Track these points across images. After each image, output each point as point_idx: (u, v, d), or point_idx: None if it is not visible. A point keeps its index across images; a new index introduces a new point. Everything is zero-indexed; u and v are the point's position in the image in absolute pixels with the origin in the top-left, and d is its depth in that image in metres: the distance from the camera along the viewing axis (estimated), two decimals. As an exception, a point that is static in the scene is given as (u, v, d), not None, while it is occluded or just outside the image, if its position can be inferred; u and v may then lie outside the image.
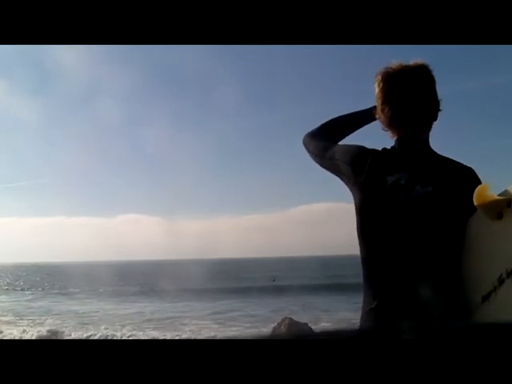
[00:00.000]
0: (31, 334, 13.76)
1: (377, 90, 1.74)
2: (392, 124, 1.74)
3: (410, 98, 1.69)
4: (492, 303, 1.54)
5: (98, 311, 18.86)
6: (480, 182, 1.66)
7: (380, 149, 1.78)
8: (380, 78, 1.72)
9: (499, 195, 1.57)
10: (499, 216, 1.55)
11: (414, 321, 1.57)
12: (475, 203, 1.55)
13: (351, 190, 1.78)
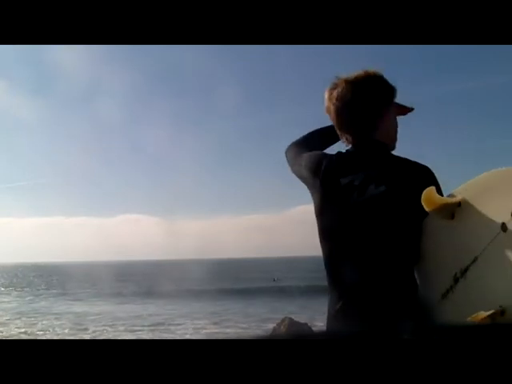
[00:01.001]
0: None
1: (327, 101, 1.83)
2: (343, 128, 1.82)
3: (352, 104, 1.77)
4: (450, 300, 1.58)
5: (94, 312, 18.85)
6: (436, 180, 1.69)
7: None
8: (329, 91, 1.82)
9: (448, 196, 1.61)
10: (451, 216, 1.58)
11: (378, 320, 1.61)
12: (426, 208, 1.57)
13: (311, 194, 1.83)
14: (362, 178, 1.69)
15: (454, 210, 1.58)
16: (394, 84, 1.85)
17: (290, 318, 13.76)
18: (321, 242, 1.79)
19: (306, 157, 1.88)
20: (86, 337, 13.13)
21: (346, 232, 1.71)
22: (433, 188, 1.57)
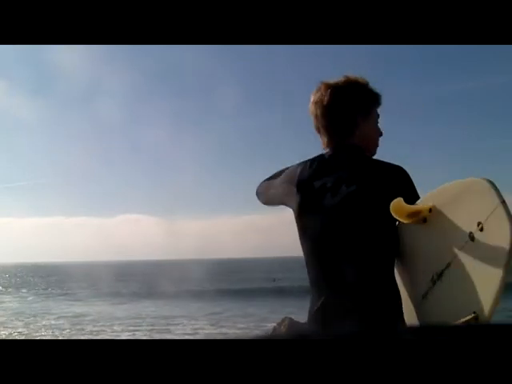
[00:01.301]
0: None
1: (313, 116, 1.87)
2: (320, 131, 1.87)
3: (329, 109, 1.82)
4: (430, 301, 1.63)
5: (93, 312, 18.86)
6: (409, 179, 1.73)
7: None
8: (313, 94, 1.87)
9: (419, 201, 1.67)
10: (424, 220, 1.64)
11: (356, 319, 1.64)
12: (398, 218, 1.62)
13: (291, 207, 1.86)
14: (333, 180, 1.74)
15: (425, 215, 1.63)
16: (379, 92, 1.90)
17: (290, 318, 13.71)
18: (301, 244, 1.84)
19: (282, 175, 1.94)
20: (85, 337, 13.12)
21: (321, 233, 1.76)
22: (400, 199, 1.60)
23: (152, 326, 14.90)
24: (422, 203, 1.67)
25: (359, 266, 1.70)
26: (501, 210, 1.45)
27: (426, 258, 1.67)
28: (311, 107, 1.87)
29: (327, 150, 1.86)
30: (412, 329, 0.91)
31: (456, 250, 1.57)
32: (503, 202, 1.46)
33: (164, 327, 14.65)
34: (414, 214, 1.63)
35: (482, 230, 1.50)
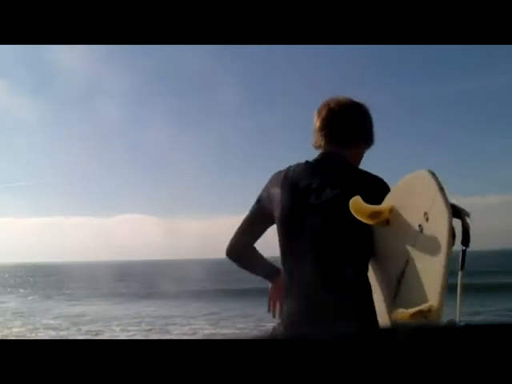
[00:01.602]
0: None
1: (318, 119, 1.97)
2: (322, 142, 1.95)
3: (338, 126, 1.94)
4: (399, 301, 1.64)
5: (92, 312, 18.86)
6: (390, 190, 1.77)
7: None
8: (319, 111, 1.98)
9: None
10: (387, 222, 1.67)
11: (340, 319, 1.67)
12: (357, 216, 1.64)
13: (274, 211, 1.89)
14: (319, 182, 1.82)
15: (387, 217, 1.66)
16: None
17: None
18: (281, 242, 1.88)
19: (266, 185, 1.97)
20: (83, 337, 13.11)
21: (304, 232, 1.80)
22: (358, 197, 1.64)
23: (151, 325, 14.89)
24: (383, 204, 1.70)
25: (341, 266, 1.76)
26: (439, 198, 1.47)
27: (391, 258, 1.70)
28: (323, 109, 1.97)
29: (316, 156, 1.95)
30: (412, 329, 0.91)
31: (411, 245, 1.59)
32: (441, 189, 1.48)
33: (163, 327, 14.65)
34: (374, 215, 1.65)
35: (427, 220, 1.52)
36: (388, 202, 1.70)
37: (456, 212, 1.48)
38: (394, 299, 1.68)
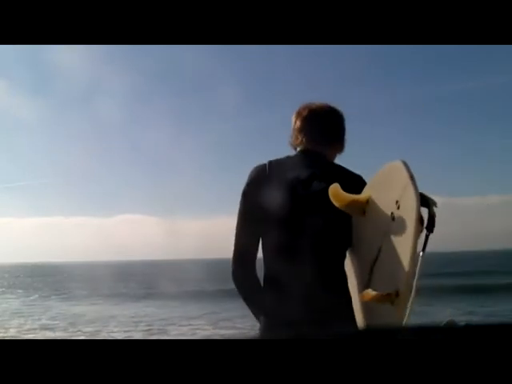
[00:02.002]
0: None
1: (298, 119, 2.06)
2: (303, 140, 2.02)
3: (319, 127, 2.03)
4: (372, 284, 1.72)
5: (90, 312, 18.86)
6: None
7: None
8: (300, 112, 2.07)
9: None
10: (363, 213, 1.75)
11: (318, 313, 1.73)
12: (336, 204, 1.71)
13: (255, 199, 1.92)
14: (307, 175, 1.88)
15: (364, 207, 1.73)
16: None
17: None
18: (264, 233, 1.91)
19: (250, 179, 1.98)
20: (82, 337, 13.11)
21: (294, 222, 1.85)
22: (337, 184, 1.73)
23: (150, 326, 14.87)
24: (361, 195, 1.79)
25: (331, 256, 1.86)
26: (410, 187, 1.53)
27: (366, 247, 1.77)
28: (304, 110, 2.06)
29: (299, 152, 2.02)
30: (412, 329, 0.91)
31: (384, 234, 1.65)
32: (412, 178, 1.54)
33: (162, 327, 14.63)
34: (352, 204, 1.72)
35: (398, 208, 1.59)
36: (365, 192, 1.77)
37: (424, 200, 1.54)
38: (367, 286, 1.74)
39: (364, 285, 1.76)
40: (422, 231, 1.54)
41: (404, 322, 1.57)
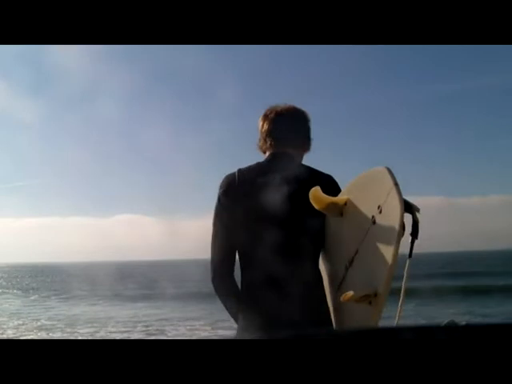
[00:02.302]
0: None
1: (265, 123, 2.08)
2: (271, 143, 2.06)
3: (287, 129, 2.06)
4: (345, 287, 1.77)
5: (89, 312, 18.85)
6: (338, 186, 1.97)
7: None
8: (267, 115, 2.10)
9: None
10: (341, 214, 1.82)
11: (303, 309, 1.78)
12: (315, 206, 1.78)
13: (229, 208, 1.95)
14: (279, 178, 1.92)
15: (342, 209, 1.81)
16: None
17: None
18: (239, 237, 1.94)
19: (223, 189, 2.01)
20: (80, 337, 13.10)
21: (267, 225, 1.87)
22: (318, 188, 1.78)
23: (148, 326, 14.86)
24: (339, 197, 1.85)
25: (307, 257, 1.90)
26: (394, 193, 1.59)
27: (341, 247, 1.83)
28: (270, 113, 2.09)
29: (269, 156, 2.05)
30: (412, 329, 0.91)
31: (362, 235, 1.71)
32: (396, 185, 1.60)
33: (160, 328, 14.62)
34: (331, 205, 1.79)
35: (380, 212, 1.65)
36: (344, 194, 1.84)
37: (408, 207, 1.59)
38: (340, 285, 1.81)
39: (338, 284, 1.82)
40: (403, 236, 1.59)
41: (378, 322, 1.65)
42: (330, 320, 1.89)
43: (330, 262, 1.92)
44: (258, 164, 2.03)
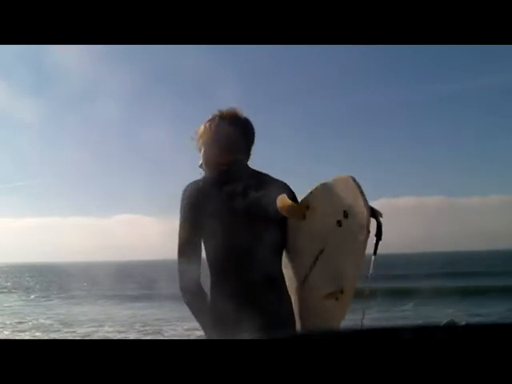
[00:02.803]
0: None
1: (212, 133, 2.08)
2: (228, 152, 2.06)
3: (239, 136, 2.09)
4: (308, 284, 1.94)
5: (88, 312, 18.84)
6: (293, 192, 2.06)
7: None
8: (211, 126, 2.09)
9: (300, 201, 1.99)
10: (303, 217, 1.95)
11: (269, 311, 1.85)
12: (284, 213, 1.90)
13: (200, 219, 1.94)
14: (243, 186, 1.96)
15: (304, 212, 1.95)
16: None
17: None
18: (209, 246, 1.95)
19: (187, 199, 1.98)
20: (79, 337, 13.09)
21: (234, 231, 1.91)
22: (284, 195, 1.90)
23: (146, 326, 14.85)
24: (302, 202, 1.98)
25: (269, 262, 1.95)
26: (360, 199, 1.77)
27: (305, 247, 1.97)
28: (214, 123, 2.08)
29: (226, 167, 2.05)
30: (412, 329, 0.91)
31: (326, 237, 1.89)
32: (362, 193, 1.78)
33: (158, 328, 14.60)
34: (295, 210, 1.93)
35: (346, 216, 1.82)
36: (308, 199, 1.98)
37: (373, 212, 1.79)
38: (304, 283, 1.96)
39: (301, 281, 1.96)
40: (368, 237, 1.77)
41: (344, 317, 1.82)
42: (292, 321, 1.97)
43: (293, 262, 2.03)
44: (221, 173, 2.02)
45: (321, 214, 1.92)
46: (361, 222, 1.76)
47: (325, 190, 1.94)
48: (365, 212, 1.75)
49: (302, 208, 1.96)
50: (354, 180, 1.81)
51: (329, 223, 1.87)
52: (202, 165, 2.11)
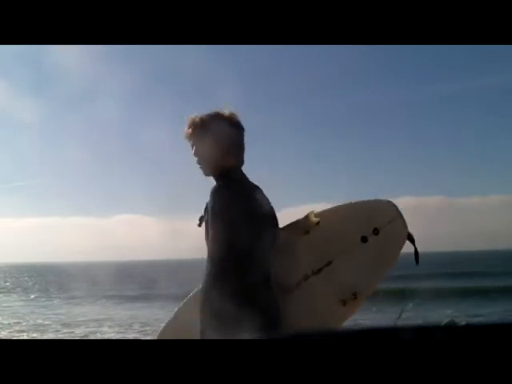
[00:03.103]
0: None
1: (234, 129, 2.04)
2: (225, 156, 2.03)
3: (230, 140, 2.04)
4: (300, 291, 2.02)
5: (87, 312, 18.84)
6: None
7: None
8: (233, 121, 2.04)
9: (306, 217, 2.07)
10: (308, 232, 2.04)
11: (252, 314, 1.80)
12: (306, 227, 2.02)
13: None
14: (253, 192, 1.98)
15: (311, 228, 2.04)
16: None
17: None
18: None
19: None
20: (78, 337, 13.09)
21: (252, 235, 1.90)
22: (313, 211, 2.02)
23: (144, 326, 14.84)
24: (310, 217, 2.05)
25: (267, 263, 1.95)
26: (400, 223, 1.96)
27: (304, 259, 2.04)
28: (234, 120, 2.04)
29: (223, 169, 2.05)
30: (412, 329, 0.91)
31: (339, 251, 2.00)
32: (401, 217, 1.97)
33: (157, 328, 14.60)
34: (312, 226, 2.04)
35: (377, 234, 1.96)
36: (330, 212, 2.08)
37: (409, 236, 1.99)
38: (297, 287, 2.02)
39: (293, 288, 2.02)
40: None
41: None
42: (278, 321, 1.92)
43: (284, 269, 2.03)
44: (254, 186, 2.02)
45: (339, 229, 2.03)
46: (397, 240, 1.97)
47: (351, 208, 2.07)
48: (402, 234, 1.96)
49: (312, 223, 2.03)
50: (395, 205, 2.00)
51: (348, 239, 2.01)
52: (200, 165, 2.12)
